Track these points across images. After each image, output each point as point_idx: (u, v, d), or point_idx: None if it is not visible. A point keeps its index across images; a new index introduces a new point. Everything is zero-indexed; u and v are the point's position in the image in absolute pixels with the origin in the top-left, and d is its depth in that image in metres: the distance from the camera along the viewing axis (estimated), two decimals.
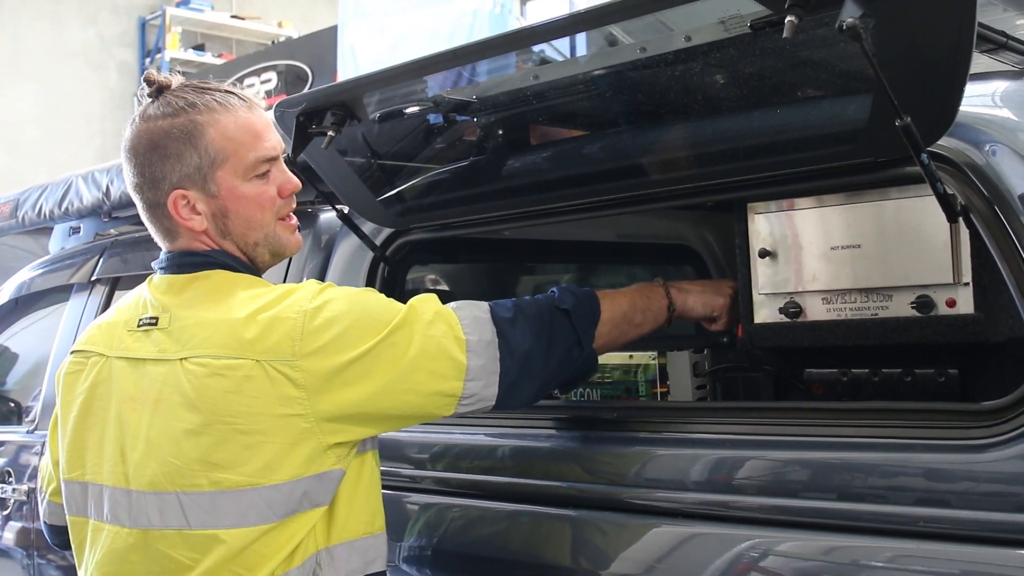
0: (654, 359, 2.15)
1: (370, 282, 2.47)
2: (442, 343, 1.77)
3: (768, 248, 1.98)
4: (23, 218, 3.93)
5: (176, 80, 1.91)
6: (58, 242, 4.10)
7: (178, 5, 11.42)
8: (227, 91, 1.91)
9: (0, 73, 10.28)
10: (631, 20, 1.87)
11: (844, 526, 1.64)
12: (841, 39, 1.47)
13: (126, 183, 1.93)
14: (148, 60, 11.43)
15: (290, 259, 2.66)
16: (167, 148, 1.85)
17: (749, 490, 1.77)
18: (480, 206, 2.42)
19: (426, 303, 1.82)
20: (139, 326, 1.86)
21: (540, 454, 2.04)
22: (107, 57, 11.18)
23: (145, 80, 1.91)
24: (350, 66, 7.62)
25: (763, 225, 1.99)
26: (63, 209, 3.71)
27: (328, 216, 2.73)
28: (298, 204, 2.82)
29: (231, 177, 1.87)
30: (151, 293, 1.90)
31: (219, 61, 11.18)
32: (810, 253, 1.94)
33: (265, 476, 1.72)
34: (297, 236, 2.00)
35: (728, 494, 1.78)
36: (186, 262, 1.89)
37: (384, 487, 1.89)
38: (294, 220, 1.99)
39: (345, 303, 1.77)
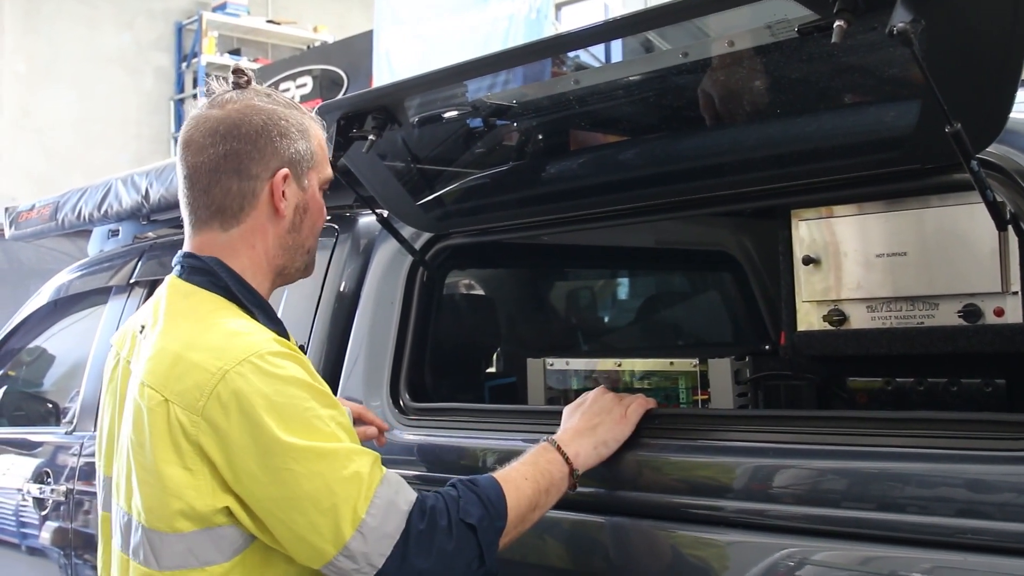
0: (695, 366, 2.14)
1: (409, 286, 2.46)
2: (338, 504, 1.63)
3: (812, 255, 1.96)
4: (63, 221, 3.95)
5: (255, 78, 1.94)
6: (97, 245, 4.12)
7: (214, 10, 11.48)
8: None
9: (37, 78, 10.36)
10: (667, 27, 1.85)
11: (885, 536, 1.61)
12: (890, 44, 1.46)
13: (213, 151, 1.83)
14: (184, 65, 11.50)
15: (329, 262, 2.67)
16: (286, 129, 1.85)
17: (789, 499, 1.75)
18: (519, 211, 2.42)
19: (354, 458, 1.67)
20: (141, 331, 1.88)
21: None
22: (143, 62, 11.26)
23: (235, 70, 1.92)
24: (385, 71, 7.62)
25: (807, 232, 1.97)
26: (102, 212, 3.73)
27: (367, 220, 2.73)
28: (337, 208, 2.85)
29: (316, 182, 1.91)
30: (157, 295, 1.90)
31: (255, 65, 11.21)
32: (854, 260, 1.92)
33: (151, 519, 1.69)
34: None
35: (768, 503, 1.76)
36: (187, 265, 1.86)
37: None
38: None
39: (274, 386, 1.66)
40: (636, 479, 1.92)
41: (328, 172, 1.95)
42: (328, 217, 2.76)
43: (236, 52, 11.56)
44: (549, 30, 7.11)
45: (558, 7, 8.91)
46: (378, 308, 2.48)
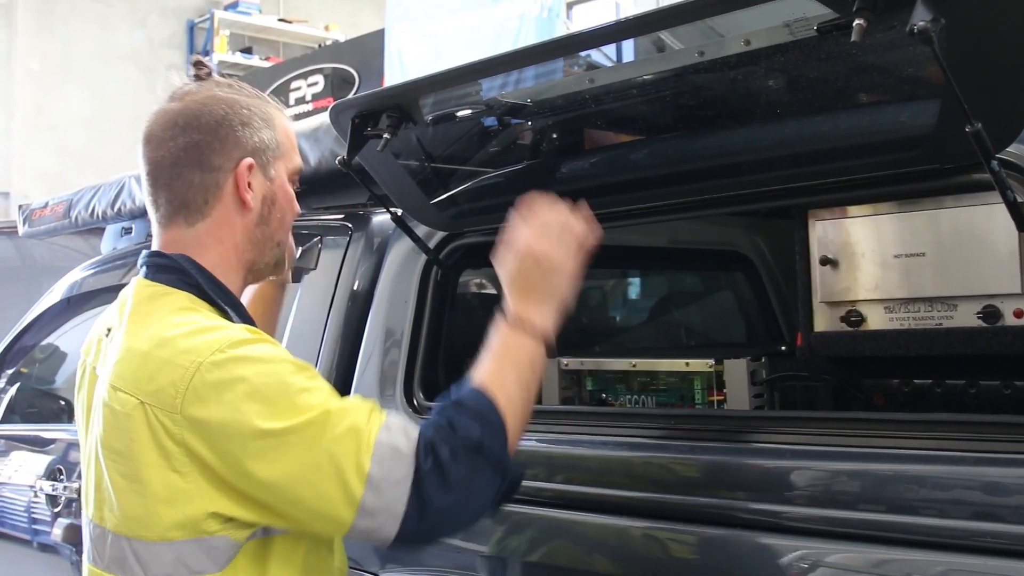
0: (711, 367, 2.12)
1: (423, 285, 2.45)
2: (340, 464, 1.56)
3: (829, 256, 1.95)
4: (76, 218, 3.95)
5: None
6: (110, 242, 4.13)
7: (226, 8, 11.49)
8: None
9: (50, 76, 10.38)
10: (681, 26, 1.84)
11: (901, 539, 1.59)
12: (909, 42, 1.44)
13: (173, 143, 1.78)
14: None
15: (343, 261, 2.66)
16: (248, 118, 1.81)
17: (802, 500, 1.73)
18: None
19: (347, 412, 1.60)
20: (106, 333, 1.82)
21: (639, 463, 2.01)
22: (156, 60, 11.27)
23: (196, 63, 1.90)
24: (397, 70, 7.61)
25: (824, 232, 1.96)
26: (115, 210, 3.74)
27: (380, 219, 2.73)
28: (351, 206, 2.84)
29: (283, 171, 1.86)
30: (122, 297, 1.83)
31: (266, 64, 11.22)
32: (872, 261, 1.91)
33: (135, 529, 1.62)
34: None
35: (782, 504, 1.74)
36: (153, 263, 1.80)
37: None
38: None
39: (253, 370, 1.59)
40: (644, 481, 1.90)
41: (297, 162, 1.91)
42: (341, 216, 2.80)
43: (248, 51, 11.57)
44: (560, 29, 7.10)
45: (569, 6, 8.88)
46: (392, 307, 2.47)
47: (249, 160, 1.79)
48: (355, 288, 2.61)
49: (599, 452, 2.01)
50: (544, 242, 1.79)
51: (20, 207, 4.48)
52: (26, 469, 3.72)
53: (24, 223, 4.36)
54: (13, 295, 6.04)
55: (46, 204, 4.23)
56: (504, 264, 1.82)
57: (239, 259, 1.82)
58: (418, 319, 2.42)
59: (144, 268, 1.81)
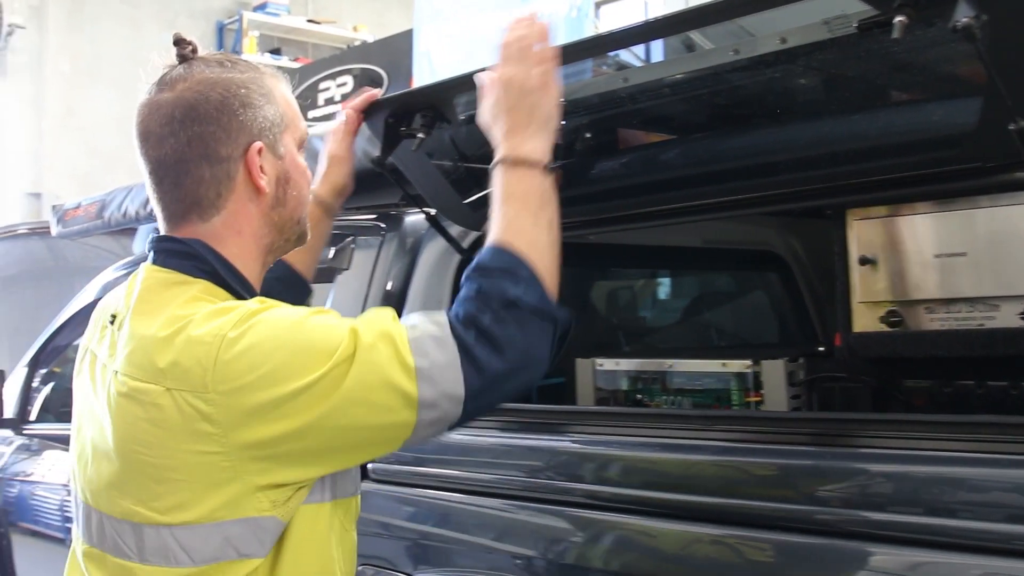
0: (748, 367, 2.11)
1: (457, 284, 2.44)
2: (386, 372, 1.50)
3: (868, 255, 1.93)
4: (109, 219, 3.97)
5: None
6: (141, 243, 4.14)
7: (255, 9, 11.51)
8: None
9: (81, 78, 10.43)
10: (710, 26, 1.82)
11: (939, 542, 1.56)
12: (951, 39, 1.43)
13: (174, 140, 1.67)
14: None
15: (376, 260, 2.65)
16: (247, 97, 1.70)
17: (837, 502, 1.71)
18: (566, 210, 2.39)
19: (371, 323, 1.55)
20: (110, 320, 1.71)
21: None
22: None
23: (177, 40, 1.74)
24: (426, 70, 7.59)
25: (863, 232, 1.94)
26: (148, 210, 3.74)
27: (413, 219, 2.72)
28: (383, 206, 2.84)
29: (292, 144, 1.77)
30: (129, 283, 1.72)
31: (295, 64, 11.24)
32: (912, 261, 1.89)
33: (177, 515, 1.54)
34: None
35: (818, 506, 1.72)
36: (165, 249, 1.70)
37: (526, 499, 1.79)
38: None
39: (276, 330, 1.52)
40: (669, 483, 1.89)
41: (303, 129, 1.80)
42: (374, 215, 2.79)
43: (276, 51, 11.59)
44: (590, 29, 7.08)
45: (597, 6, 8.87)
46: (426, 306, 2.46)
47: (258, 143, 1.69)
48: (388, 288, 2.60)
49: (634, 453, 2.00)
50: (505, 68, 1.75)
51: (53, 207, 4.50)
52: (60, 468, 3.74)
53: (57, 223, 4.38)
54: (46, 295, 6.08)
55: (79, 204, 4.25)
56: (480, 112, 1.77)
57: (258, 246, 1.74)
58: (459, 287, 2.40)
59: (154, 253, 1.71)
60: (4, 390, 4.12)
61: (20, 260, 6.57)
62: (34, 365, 4.27)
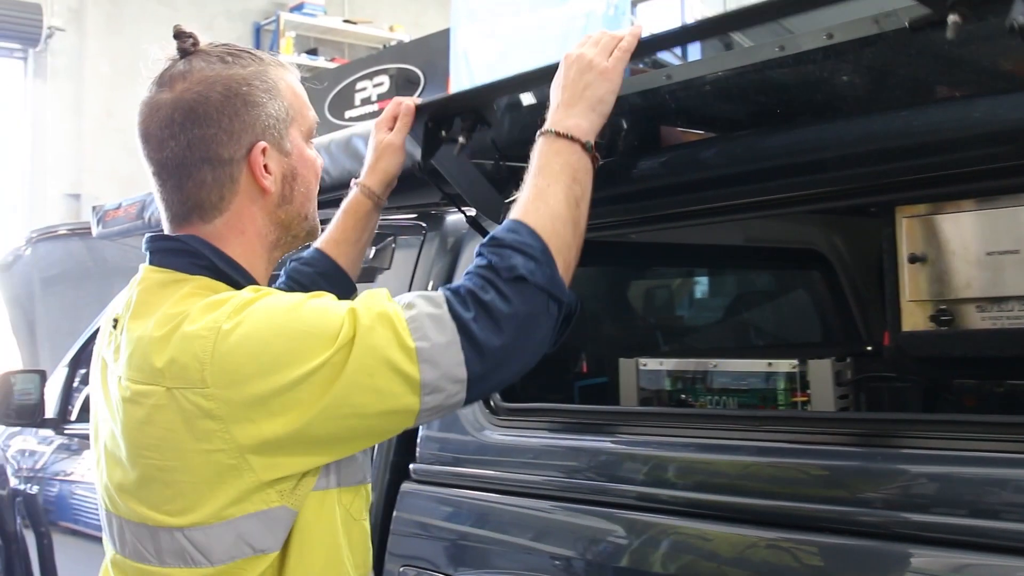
0: (794, 367, 2.08)
1: None
2: (386, 355, 1.47)
3: (918, 253, 1.90)
4: (149, 219, 3.98)
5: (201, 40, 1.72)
6: None
7: (291, 10, 11.56)
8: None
9: (119, 79, 10.50)
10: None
11: (986, 544, 1.53)
12: (1004, 35, 1.40)
13: (175, 142, 1.64)
14: None
15: (417, 260, 2.64)
16: (250, 95, 1.64)
17: (880, 504, 1.68)
18: (607, 209, 2.37)
19: (369, 306, 1.51)
20: (113, 325, 1.68)
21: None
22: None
23: (177, 33, 1.71)
24: (463, 70, 7.58)
25: (913, 229, 1.91)
26: None
27: (454, 218, 2.71)
28: (423, 205, 2.83)
29: (299, 137, 1.72)
30: (130, 286, 1.69)
31: (331, 65, 11.28)
32: (963, 258, 1.86)
33: (188, 517, 1.52)
34: None
35: (862, 507, 1.69)
36: (160, 248, 1.67)
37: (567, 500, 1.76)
38: None
39: (272, 316, 1.49)
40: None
41: (310, 119, 1.76)
42: (415, 215, 2.78)
43: (313, 52, 11.63)
44: (626, 28, 7.05)
45: (633, 4, 8.83)
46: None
47: (262, 143, 1.65)
48: (430, 288, 2.59)
49: (678, 454, 1.98)
50: (585, 48, 1.77)
51: (94, 208, 4.53)
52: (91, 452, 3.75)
53: (98, 224, 4.40)
54: (86, 296, 6.11)
55: (119, 205, 4.26)
56: (552, 84, 1.78)
57: (263, 244, 1.71)
58: None
59: (150, 254, 1.67)
60: (46, 390, 4.15)
61: (61, 261, 6.61)
62: (75, 365, 4.30)
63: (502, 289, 1.52)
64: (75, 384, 4.32)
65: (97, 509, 1.76)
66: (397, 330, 1.48)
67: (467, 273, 1.57)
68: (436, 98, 2.18)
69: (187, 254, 1.64)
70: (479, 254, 1.59)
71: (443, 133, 2.16)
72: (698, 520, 1.87)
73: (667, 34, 1.83)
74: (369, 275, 2.75)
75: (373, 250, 2.76)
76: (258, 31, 11.62)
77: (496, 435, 2.28)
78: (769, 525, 1.76)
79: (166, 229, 1.71)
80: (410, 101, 2.19)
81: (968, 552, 1.54)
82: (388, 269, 2.71)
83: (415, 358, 1.47)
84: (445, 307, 1.51)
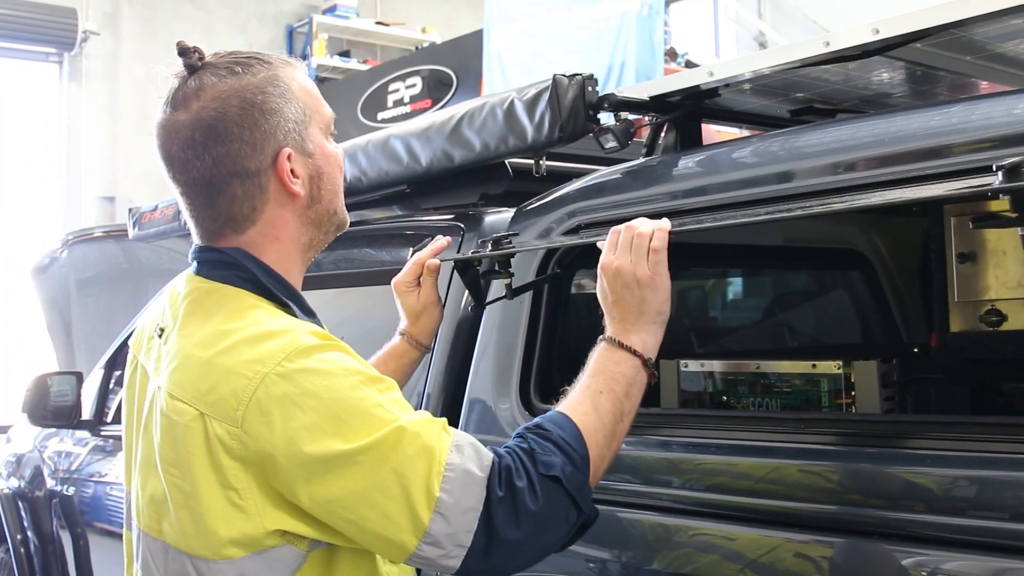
0: (839, 368, 2.05)
1: (537, 282, 2.40)
2: (408, 487, 1.46)
3: (967, 252, 1.86)
4: (184, 222, 3.99)
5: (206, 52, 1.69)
6: None
7: (324, 12, 11.59)
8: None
9: (154, 82, 10.58)
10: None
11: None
12: None
13: (200, 162, 1.62)
14: None
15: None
16: (266, 103, 1.62)
17: (920, 508, 1.64)
18: (648, 208, 2.35)
19: (421, 431, 1.49)
20: (158, 334, 1.69)
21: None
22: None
23: (182, 50, 1.67)
24: (496, 70, 7.60)
25: (963, 229, 1.87)
26: None
27: (493, 218, 2.69)
28: (462, 206, 2.81)
29: (318, 134, 1.71)
30: (172, 294, 1.70)
31: (364, 67, 11.31)
32: (1014, 258, 1.82)
33: (194, 545, 1.53)
34: None
35: (905, 512, 1.65)
36: (208, 259, 1.67)
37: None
38: None
39: (322, 383, 1.49)
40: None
41: (326, 114, 1.73)
42: (452, 215, 2.76)
43: (346, 54, 11.66)
44: (660, 27, 7.03)
45: (667, 3, 8.81)
46: (506, 307, 2.43)
47: (287, 149, 1.64)
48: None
49: (721, 457, 1.95)
50: (619, 257, 1.74)
51: (130, 210, 4.54)
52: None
53: (134, 226, 4.42)
54: (122, 298, 6.15)
55: (155, 207, 4.27)
56: (598, 292, 1.78)
57: (297, 248, 1.71)
58: (533, 320, 2.37)
59: (195, 263, 1.68)
60: (82, 392, 4.16)
61: (96, 263, 6.65)
62: (111, 367, 4.31)
63: (534, 482, 1.51)
64: (111, 386, 4.33)
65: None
66: (431, 472, 1.47)
67: (508, 449, 1.56)
68: (459, 256, 2.20)
69: (232, 267, 1.64)
70: (520, 435, 1.59)
71: (482, 279, 2.20)
72: (727, 522, 1.85)
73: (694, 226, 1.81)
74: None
75: (411, 251, 2.74)
76: (291, 33, 11.67)
77: None
78: (818, 529, 1.73)
79: (200, 243, 1.71)
80: (432, 260, 2.19)
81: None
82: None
83: (433, 506, 1.47)
84: (487, 473, 1.51)
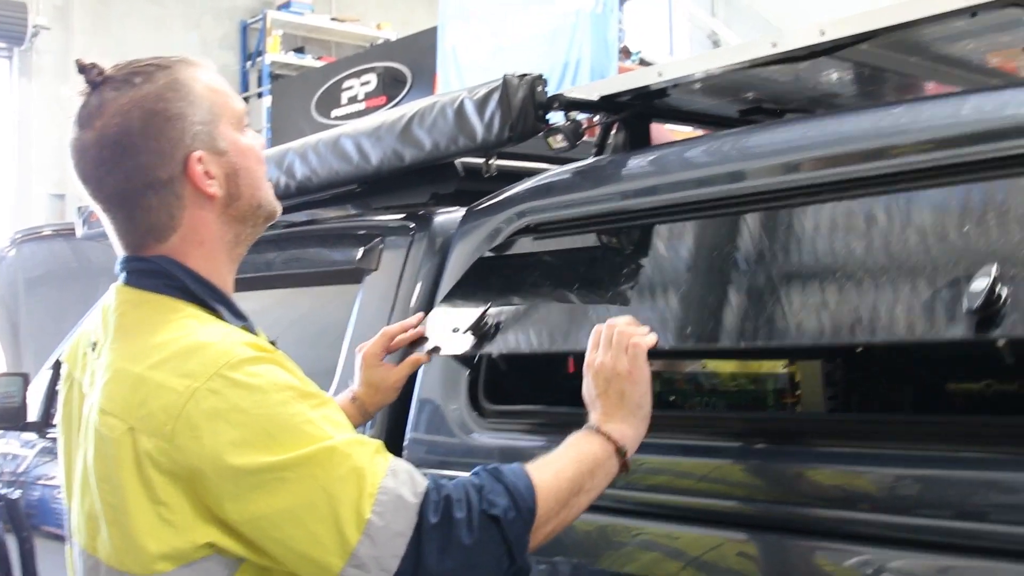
0: (784, 368, 2.04)
1: (486, 283, 2.39)
2: (338, 508, 1.44)
3: None
4: None
5: (106, 64, 1.67)
6: None
7: (279, 8, 11.54)
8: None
9: None
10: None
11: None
12: None
13: (112, 179, 1.62)
14: (249, 63, 11.55)
15: (405, 263, 2.61)
16: (168, 110, 1.60)
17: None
18: (596, 208, 2.34)
19: (353, 451, 1.48)
20: (92, 348, 1.67)
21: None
22: (209, 60, 11.28)
23: (80, 68, 1.64)
24: (452, 68, 7.59)
25: None
26: None
27: (443, 219, 2.68)
28: (412, 206, 2.80)
29: (230, 130, 1.67)
30: (103, 307, 1.68)
31: (319, 63, 11.26)
32: None
33: (125, 561, 1.51)
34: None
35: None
36: (135, 269, 1.65)
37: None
38: None
39: (252, 398, 1.47)
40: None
41: (236, 107, 1.71)
42: (403, 215, 2.75)
43: (300, 50, 11.61)
44: (614, 25, 7.05)
45: (621, 1, 8.82)
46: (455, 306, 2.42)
47: (197, 153, 1.62)
48: (418, 290, 2.56)
49: (665, 457, 1.95)
50: (601, 354, 1.77)
51: (79, 209, 4.48)
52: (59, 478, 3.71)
53: (83, 225, 4.36)
54: (71, 297, 6.07)
55: None
56: (583, 390, 1.80)
57: (222, 248, 1.68)
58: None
59: (124, 274, 1.66)
60: (28, 393, 4.11)
61: (45, 262, 6.58)
62: (58, 368, 4.25)
63: (473, 517, 1.51)
64: (59, 387, 4.27)
65: None
66: (362, 494, 1.46)
67: (458, 481, 1.56)
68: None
69: (161, 275, 1.63)
70: (476, 472, 1.60)
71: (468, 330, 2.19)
72: (669, 522, 1.87)
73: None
74: (356, 276, 2.71)
75: (360, 251, 2.73)
76: (245, 29, 11.61)
77: (484, 437, 2.25)
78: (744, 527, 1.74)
79: (125, 254, 1.69)
80: (422, 356, 2.22)
81: None
82: (376, 271, 2.68)
83: (363, 528, 1.45)
84: (420, 499, 1.50)
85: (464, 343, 2.18)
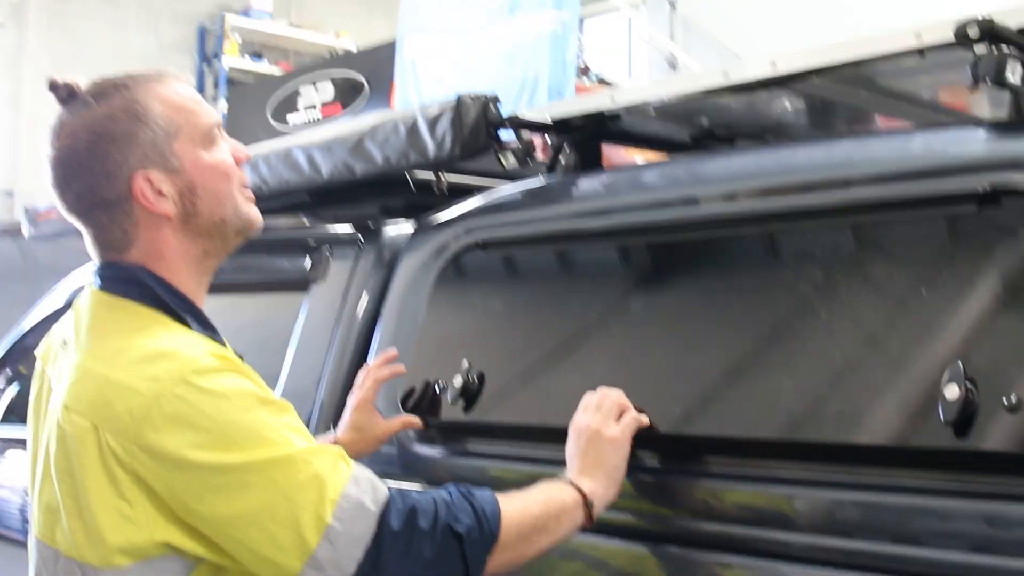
0: None
1: (434, 297, 2.40)
2: (297, 512, 1.48)
3: None
4: None
5: (83, 81, 1.73)
6: None
7: (238, 14, 11.47)
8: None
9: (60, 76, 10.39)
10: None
11: None
12: None
13: (66, 197, 1.68)
14: (206, 67, 11.48)
15: (351, 275, 2.61)
16: (114, 132, 1.63)
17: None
18: (543, 228, 2.36)
19: (314, 458, 1.52)
20: (63, 346, 1.71)
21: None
22: (166, 64, 11.22)
23: (51, 86, 1.71)
24: (411, 80, 7.57)
25: None
26: None
27: (392, 231, 2.69)
28: (360, 217, 2.80)
29: (190, 147, 1.68)
30: (76, 308, 1.72)
31: (276, 70, 11.21)
32: None
33: (84, 553, 1.54)
34: (257, 210, 1.79)
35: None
36: (110, 276, 1.68)
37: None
38: (251, 192, 1.79)
39: (215, 404, 1.51)
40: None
41: (202, 123, 1.71)
42: (352, 226, 2.75)
43: (258, 55, 11.55)
44: (574, 44, 7.08)
45: (581, 20, 8.87)
46: (400, 322, 2.43)
47: (141, 173, 1.64)
48: (364, 301, 2.56)
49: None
50: (587, 415, 1.83)
51: (25, 210, 4.44)
52: (24, 471, 3.67)
53: (29, 225, 4.32)
54: (15, 295, 6.00)
55: (52, 207, 4.18)
56: (567, 449, 1.84)
57: (188, 262, 1.70)
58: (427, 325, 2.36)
59: (98, 279, 1.69)
60: None
61: None
62: (1, 366, 4.21)
63: (437, 530, 1.55)
64: (2, 387, 4.23)
65: (20, 511, 1.76)
66: (323, 500, 1.50)
67: (427, 492, 1.60)
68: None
69: (134, 283, 1.66)
70: (448, 490, 1.63)
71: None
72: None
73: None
74: (303, 286, 2.72)
75: (308, 260, 2.73)
76: (203, 33, 11.54)
77: (425, 452, 2.25)
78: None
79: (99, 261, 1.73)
80: (415, 419, 2.24)
81: None
82: (323, 281, 2.68)
83: (323, 532, 1.49)
84: (380, 508, 1.53)
85: (455, 411, 2.18)
